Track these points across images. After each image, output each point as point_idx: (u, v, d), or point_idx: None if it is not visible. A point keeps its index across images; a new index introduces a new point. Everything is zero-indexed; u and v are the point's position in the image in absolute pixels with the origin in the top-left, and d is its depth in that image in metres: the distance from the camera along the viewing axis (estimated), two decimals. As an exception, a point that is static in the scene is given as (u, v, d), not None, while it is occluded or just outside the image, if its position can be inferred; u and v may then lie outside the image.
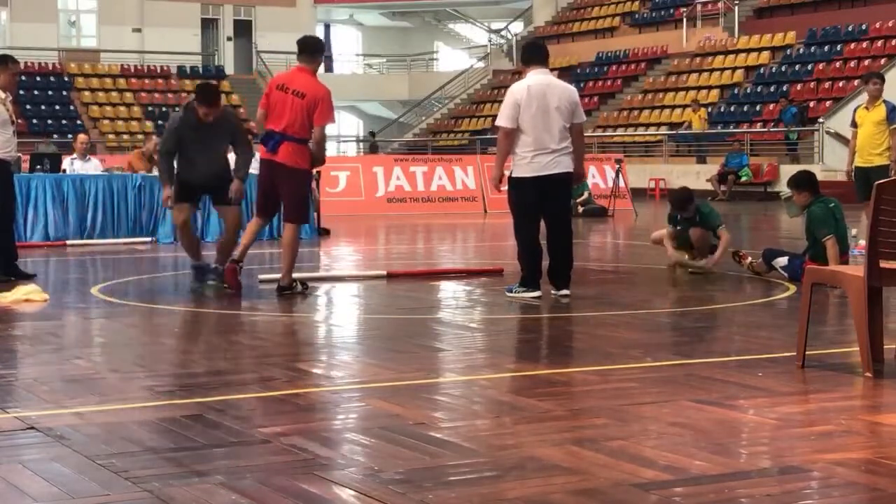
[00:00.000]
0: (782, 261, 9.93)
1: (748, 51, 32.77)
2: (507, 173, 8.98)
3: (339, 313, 8.87)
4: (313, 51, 9.22)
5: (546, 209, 8.90)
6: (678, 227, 10.90)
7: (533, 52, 9.15)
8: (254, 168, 9.76)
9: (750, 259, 10.37)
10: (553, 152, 8.78)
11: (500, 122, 8.90)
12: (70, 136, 27.21)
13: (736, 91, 31.68)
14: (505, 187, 9.03)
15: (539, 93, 8.78)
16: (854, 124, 12.55)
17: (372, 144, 37.79)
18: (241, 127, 9.62)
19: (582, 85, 36.37)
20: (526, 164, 8.80)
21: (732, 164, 26.84)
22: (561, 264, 8.95)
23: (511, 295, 8.89)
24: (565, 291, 8.89)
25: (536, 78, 8.89)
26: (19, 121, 11.35)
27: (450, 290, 9.75)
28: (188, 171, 9.51)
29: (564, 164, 8.85)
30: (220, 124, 9.48)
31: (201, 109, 9.39)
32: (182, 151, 9.48)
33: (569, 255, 8.98)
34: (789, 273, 9.71)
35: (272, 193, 9.17)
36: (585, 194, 21.06)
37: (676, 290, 9.93)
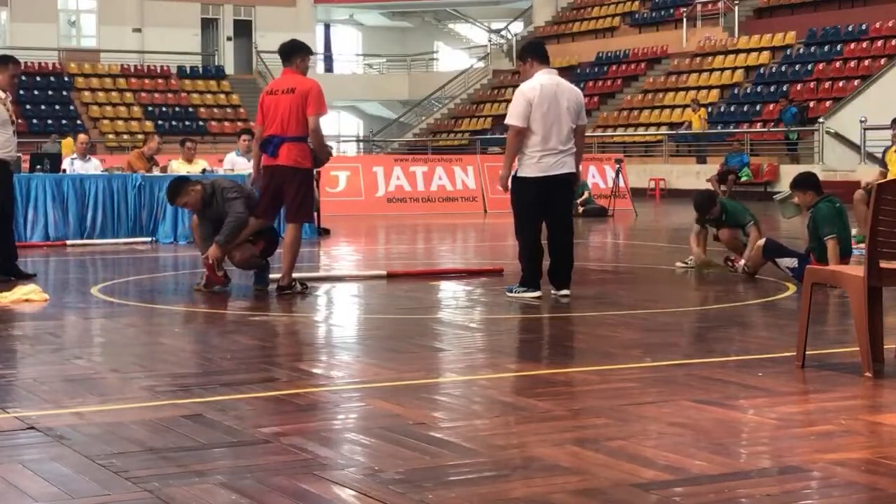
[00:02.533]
0: (790, 262, 9.85)
1: (748, 51, 32.80)
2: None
3: (339, 313, 8.87)
4: (286, 54, 9.26)
5: (549, 209, 8.89)
6: (705, 227, 10.84)
7: (542, 52, 9.13)
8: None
9: (743, 261, 10.32)
10: (560, 153, 8.78)
11: (510, 120, 8.86)
12: (70, 135, 27.20)
13: (736, 91, 31.69)
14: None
15: (550, 93, 8.77)
16: (883, 164, 12.84)
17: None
18: (229, 196, 9.38)
19: (582, 85, 36.33)
20: (533, 164, 8.79)
21: (733, 163, 26.81)
22: (562, 264, 8.94)
23: (511, 295, 8.89)
24: (565, 291, 8.89)
25: (546, 78, 8.87)
26: (19, 121, 11.36)
27: (450, 290, 9.75)
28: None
29: (569, 165, 8.86)
30: (211, 204, 9.34)
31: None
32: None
33: (570, 255, 8.98)
34: (796, 275, 9.52)
35: (278, 198, 9.17)
36: (586, 194, 21.08)
37: (676, 290, 9.92)
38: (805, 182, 9.70)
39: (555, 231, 8.98)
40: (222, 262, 9.27)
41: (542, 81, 8.82)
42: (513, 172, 8.95)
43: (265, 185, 9.30)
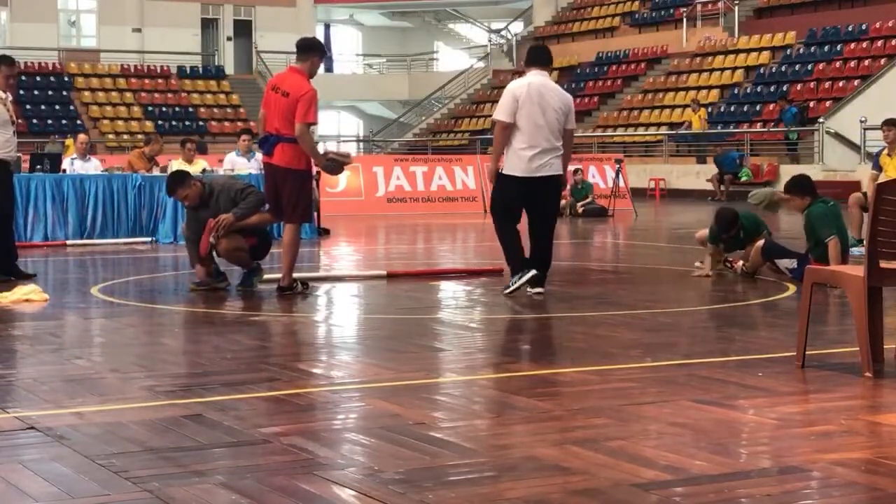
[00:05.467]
0: (789, 263, 9.84)
1: (748, 51, 32.79)
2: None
3: (339, 313, 8.87)
4: (301, 50, 9.26)
5: (533, 210, 8.95)
6: (721, 245, 10.37)
7: (538, 55, 9.23)
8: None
9: (741, 262, 10.30)
10: (546, 152, 8.84)
11: (497, 115, 8.94)
12: (70, 135, 27.20)
13: (736, 91, 31.69)
14: None
15: (538, 92, 8.87)
16: (878, 167, 12.81)
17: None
18: (237, 188, 9.44)
19: (582, 85, 36.39)
20: (517, 162, 8.84)
21: (727, 164, 26.72)
22: (539, 264, 8.96)
23: (509, 291, 8.89)
24: (538, 289, 8.88)
25: (536, 77, 8.99)
26: (19, 121, 11.35)
27: (450, 290, 9.75)
28: None
29: (555, 167, 8.91)
30: (215, 200, 9.35)
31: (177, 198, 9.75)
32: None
33: (547, 255, 9.02)
34: (796, 276, 9.43)
35: (278, 195, 9.19)
36: (589, 197, 21.10)
37: (676, 290, 9.92)
38: (801, 186, 9.69)
39: (536, 231, 9.05)
40: (221, 232, 9.23)
41: (530, 80, 8.93)
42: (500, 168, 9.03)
43: (265, 182, 9.36)
